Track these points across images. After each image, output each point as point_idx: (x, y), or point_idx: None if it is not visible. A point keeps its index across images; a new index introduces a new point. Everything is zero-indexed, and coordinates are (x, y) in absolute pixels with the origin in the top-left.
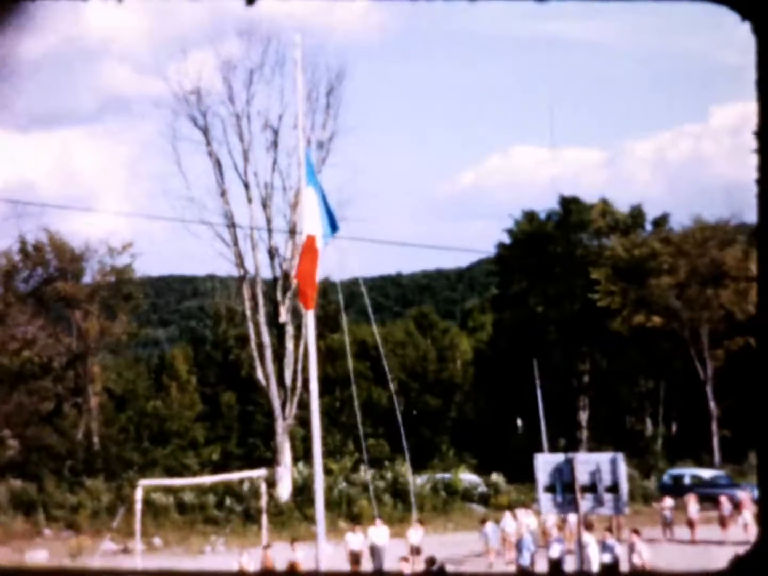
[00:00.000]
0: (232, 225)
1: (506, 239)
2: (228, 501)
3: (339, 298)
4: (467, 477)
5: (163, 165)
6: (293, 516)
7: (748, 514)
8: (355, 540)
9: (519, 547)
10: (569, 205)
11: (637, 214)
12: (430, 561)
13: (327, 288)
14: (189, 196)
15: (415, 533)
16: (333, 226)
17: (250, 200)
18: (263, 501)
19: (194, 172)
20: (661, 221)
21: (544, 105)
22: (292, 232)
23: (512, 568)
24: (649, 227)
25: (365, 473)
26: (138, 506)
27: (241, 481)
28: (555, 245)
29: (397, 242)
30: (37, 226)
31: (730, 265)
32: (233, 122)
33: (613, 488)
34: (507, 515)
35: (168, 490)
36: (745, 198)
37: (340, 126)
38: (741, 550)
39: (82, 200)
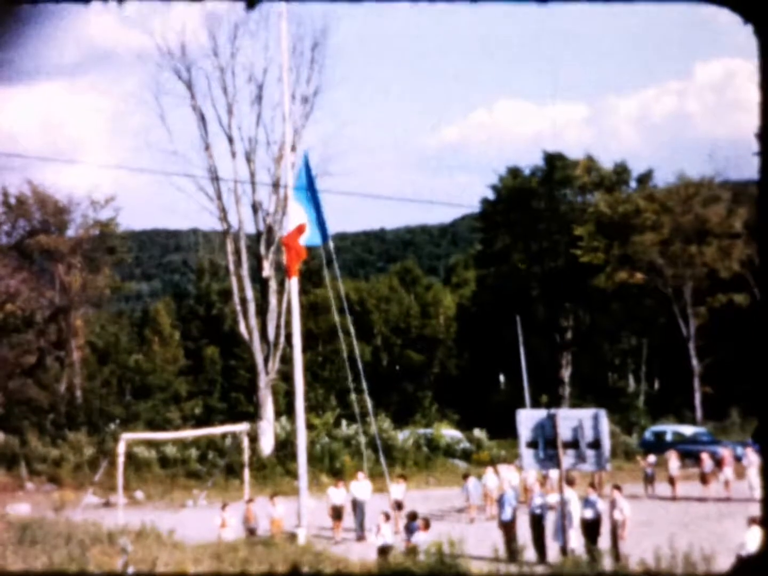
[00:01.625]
0: (215, 179)
1: (490, 195)
2: (210, 455)
3: (321, 253)
4: (449, 432)
5: (146, 119)
6: (275, 470)
7: (729, 471)
8: (338, 494)
9: (501, 502)
10: (554, 161)
11: (621, 171)
12: (412, 516)
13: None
14: (173, 149)
15: (397, 488)
16: (323, 235)
17: (234, 154)
18: (245, 455)
19: (178, 126)
20: (645, 178)
21: (528, 60)
22: (276, 186)
23: (493, 523)
24: (633, 184)
25: (348, 428)
26: (120, 460)
27: (224, 436)
28: (539, 201)
29: (380, 196)
30: (20, 179)
31: (714, 222)
32: (217, 76)
33: (595, 444)
34: (489, 471)
35: (150, 443)
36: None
37: (324, 81)
38: (721, 506)
39: (65, 154)
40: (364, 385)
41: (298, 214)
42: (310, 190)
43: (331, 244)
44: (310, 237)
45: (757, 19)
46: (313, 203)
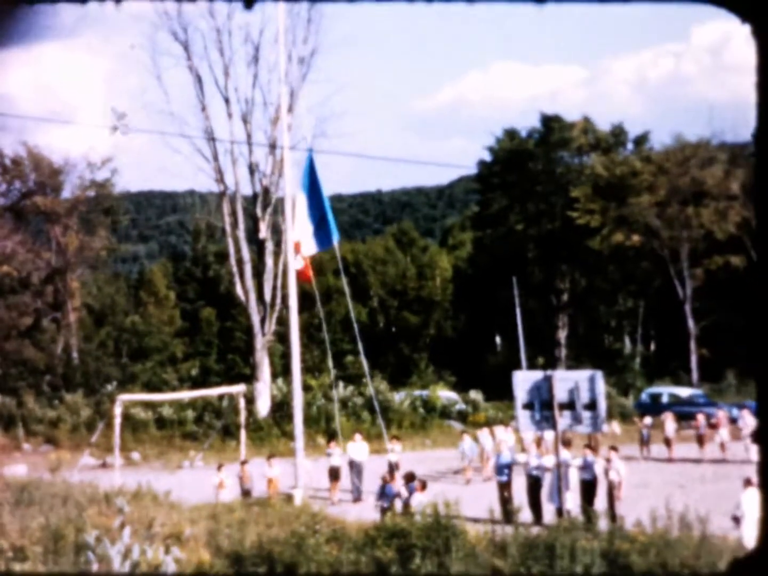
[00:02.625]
0: (212, 140)
1: (487, 157)
2: (207, 416)
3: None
4: (445, 394)
5: (143, 79)
6: (272, 432)
7: (725, 432)
8: (334, 455)
9: (497, 463)
10: (550, 122)
11: (618, 133)
12: (409, 477)
13: None
14: (169, 110)
15: (393, 450)
16: (328, 236)
17: (230, 115)
18: (242, 417)
19: (174, 87)
20: (642, 140)
21: (525, 22)
22: (273, 147)
23: (490, 485)
24: (630, 146)
25: (344, 389)
26: (117, 421)
27: (220, 397)
28: (536, 163)
29: (377, 157)
30: (15, 140)
31: (711, 184)
32: (214, 37)
33: (591, 406)
34: (485, 432)
35: (147, 405)
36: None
37: (321, 42)
38: (717, 467)
39: (61, 115)
40: (360, 347)
41: (301, 222)
42: (315, 191)
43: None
44: (319, 242)
45: (755, 19)
46: (319, 204)
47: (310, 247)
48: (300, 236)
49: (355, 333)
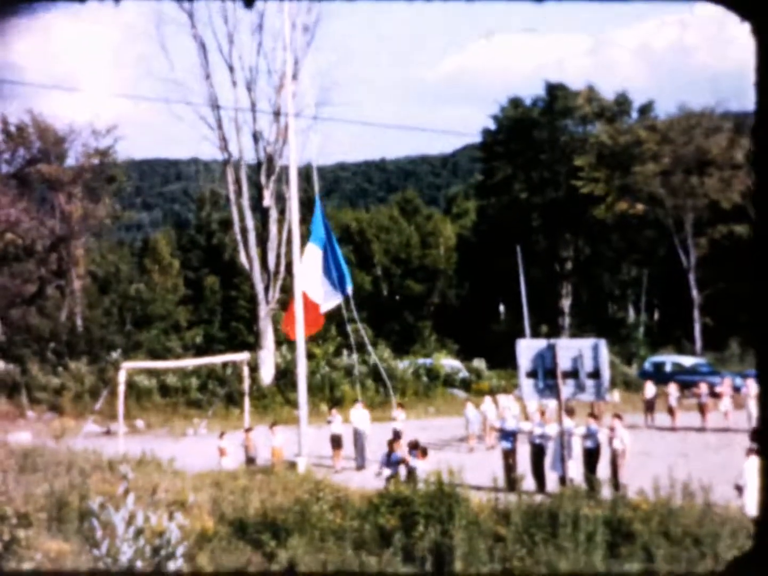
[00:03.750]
0: (216, 108)
1: (491, 125)
2: (211, 384)
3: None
4: (449, 362)
5: (147, 47)
6: (275, 400)
7: (728, 401)
8: (337, 423)
9: (500, 431)
10: (555, 91)
11: (622, 101)
12: (412, 445)
13: (310, 172)
14: (173, 78)
15: (397, 417)
16: (342, 286)
17: (234, 83)
18: (246, 385)
19: (179, 55)
20: (646, 109)
21: None
22: (277, 115)
23: (493, 453)
24: (634, 115)
25: (348, 357)
26: (121, 389)
27: (224, 365)
28: (540, 131)
29: (381, 125)
30: (20, 108)
31: (715, 153)
32: (218, 4)
33: (595, 374)
34: (488, 400)
35: (151, 372)
36: (731, 86)
37: (325, 9)
38: (720, 436)
39: (65, 83)
40: (356, 315)
41: (312, 274)
42: (327, 239)
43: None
44: (331, 294)
45: (755, 18)
46: (334, 256)
47: (326, 302)
48: (310, 289)
49: (358, 301)
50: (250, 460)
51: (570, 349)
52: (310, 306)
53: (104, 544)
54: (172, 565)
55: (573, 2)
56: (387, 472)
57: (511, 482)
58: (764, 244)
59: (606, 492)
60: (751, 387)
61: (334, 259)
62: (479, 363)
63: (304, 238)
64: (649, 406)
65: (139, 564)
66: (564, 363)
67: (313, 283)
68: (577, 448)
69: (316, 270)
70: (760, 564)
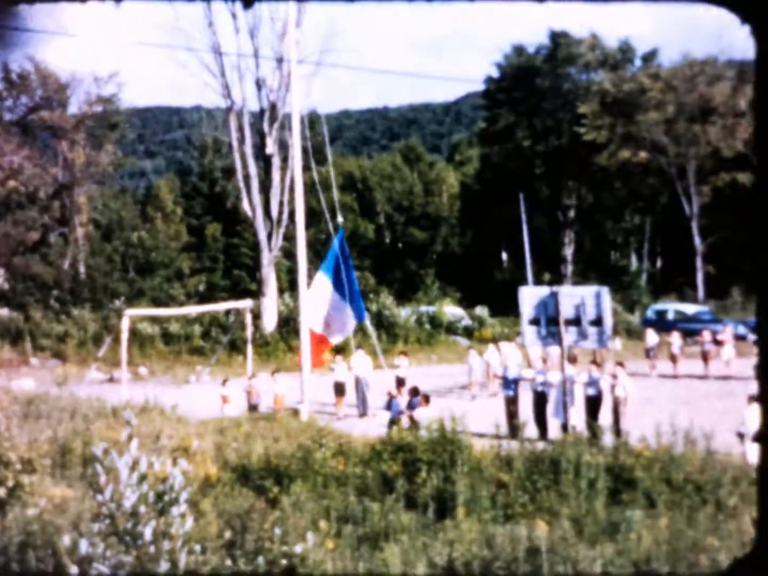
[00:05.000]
0: (219, 54)
1: (494, 73)
2: (213, 332)
3: (324, 130)
4: (451, 310)
5: None
6: (278, 347)
7: (730, 348)
8: (340, 370)
9: (503, 378)
10: (558, 39)
11: (626, 49)
12: (413, 391)
13: (314, 120)
14: (176, 26)
15: (400, 364)
16: (359, 314)
17: (237, 30)
18: (248, 332)
19: (182, 3)
20: (650, 57)
21: None
22: (280, 62)
23: (495, 400)
24: (637, 63)
25: None
26: (124, 336)
27: (227, 312)
28: (543, 79)
29: (384, 71)
30: (21, 55)
31: (719, 101)
32: None
33: (597, 322)
34: (491, 348)
35: (154, 320)
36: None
37: None
38: (722, 384)
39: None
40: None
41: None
42: (345, 268)
43: (321, 128)
44: (340, 326)
45: (754, 20)
46: (348, 282)
47: (334, 335)
48: (316, 324)
49: (361, 248)
50: (253, 407)
51: (572, 296)
52: (317, 338)
53: (108, 490)
54: (175, 511)
55: (573, 3)
56: (385, 414)
57: (514, 429)
58: (766, 192)
59: (608, 439)
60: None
61: (350, 289)
62: (482, 311)
63: (307, 186)
64: (651, 354)
65: (142, 509)
66: (566, 310)
67: (319, 317)
68: (579, 395)
69: (323, 303)
70: (761, 565)
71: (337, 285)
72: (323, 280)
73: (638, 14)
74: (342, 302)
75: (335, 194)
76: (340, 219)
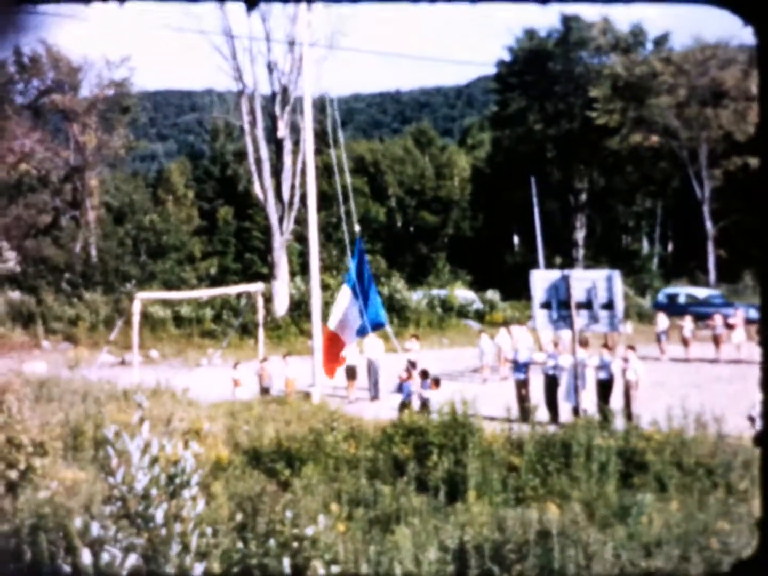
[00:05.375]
0: (230, 37)
1: (506, 57)
2: (225, 315)
3: (335, 114)
4: (463, 294)
5: None
6: (290, 330)
7: (742, 332)
8: (351, 354)
9: (514, 362)
10: (570, 22)
11: (637, 33)
12: (423, 374)
13: (325, 103)
14: (187, 9)
15: (411, 348)
16: (378, 320)
17: (249, 13)
18: (260, 315)
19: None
20: (661, 40)
21: None
22: (292, 44)
23: (507, 384)
24: (649, 46)
25: None
26: (136, 319)
27: (238, 295)
28: (555, 63)
29: (395, 55)
30: (33, 38)
31: (730, 85)
32: None
33: (609, 305)
34: (502, 331)
35: (165, 303)
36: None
37: None
38: (733, 368)
39: (79, 13)
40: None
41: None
42: (365, 277)
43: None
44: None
45: (757, 21)
46: (367, 291)
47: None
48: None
49: (372, 232)
50: (264, 391)
51: (584, 280)
52: (334, 340)
53: (119, 472)
54: (186, 493)
55: (574, 3)
56: (395, 397)
57: (525, 413)
58: None
59: (619, 423)
60: None
61: (366, 299)
62: (493, 294)
63: (319, 169)
64: (662, 338)
65: (154, 491)
66: (578, 294)
67: (339, 321)
68: (590, 379)
69: (341, 309)
70: (764, 567)
71: (356, 294)
72: (346, 293)
73: None
74: (357, 310)
75: (348, 178)
76: (357, 227)
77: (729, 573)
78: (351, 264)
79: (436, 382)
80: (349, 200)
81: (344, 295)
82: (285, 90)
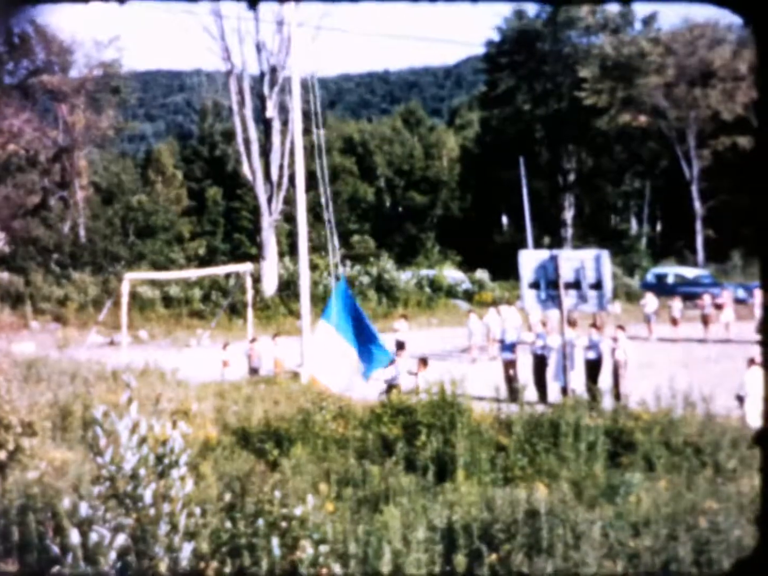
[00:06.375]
0: (219, 17)
1: (495, 36)
2: (213, 295)
3: (317, 94)
4: (452, 274)
5: None
6: (278, 310)
7: (730, 312)
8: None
9: (502, 342)
10: (559, 2)
11: (626, 13)
12: (423, 362)
13: (313, 83)
14: None
15: (400, 328)
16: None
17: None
18: (249, 295)
19: None
20: (650, 20)
21: None
22: (280, 24)
23: (495, 364)
24: (638, 26)
25: (351, 269)
26: (124, 299)
27: (227, 276)
28: (543, 43)
29: (384, 35)
30: (22, 18)
31: (719, 64)
32: None
33: (597, 285)
34: (491, 311)
35: (154, 283)
36: None
37: None
38: (721, 347)
39: None
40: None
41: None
42: (352, 314)
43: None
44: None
45: (757, 20)
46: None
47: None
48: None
49: (361, 212)
50: (253, 371)
51: (572, 260)
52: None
53: (108, 452)
54: (175, 473)
55: (575, 5)
56: (387, 373)
57: (513, 392)
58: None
59: (607, 402)
60: (758, 297)
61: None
62: (482, 274)
63: (307, 150)
64: (650, 318)
65: (142, 471)
66: (566, 274)
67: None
68: (579, 358)
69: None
70: (763, 567)
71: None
72: (324, 327)
73: None
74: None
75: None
76: (341, 270)
77: (729, 573)
78: (335, 300)
79: (424, 362)
80: (339, 180)
81: (324, 333)
82: (273, 70)
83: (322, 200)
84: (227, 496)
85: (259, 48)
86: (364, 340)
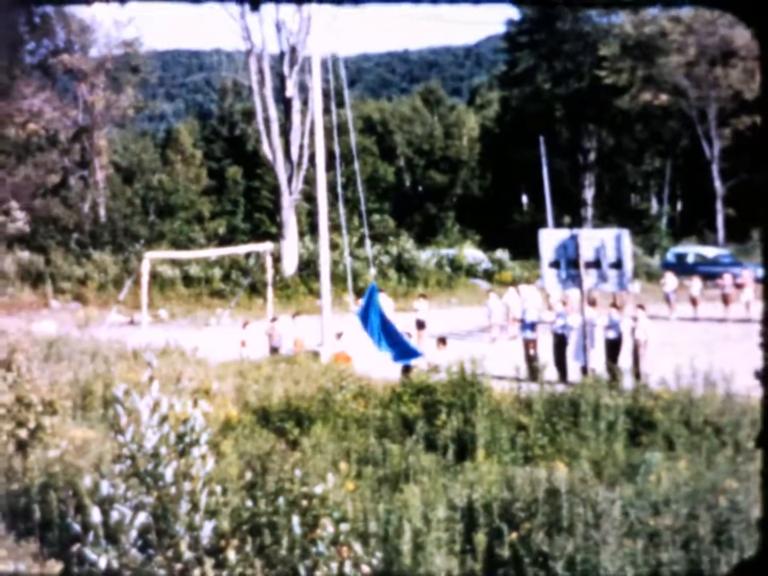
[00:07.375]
0: None
1: (515, 16)
2: (234, 274)
3: (342, 74)
4: (471, 253)
5: None
6: (298, 290)
7: (750, 291)
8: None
9: (522, 321)
10: None
11: None
12: (441, 340)
13: (334, 63)
14: None
15: (420, 307)
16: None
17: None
18: (269, 275)
19: None
20: None
21: None
22: (300, 3)
23: (515, 343)
24: (659, 5)
25: (371, 248)
26: (144, 279)
27: (247, 255)
28: (564, 22)
29: (404, 14)
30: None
31: (740, 44)
32: None
33: (617, 265)
34: (511, 291)
35: (174, 262)
36: None
37: None
38: (742, 327)
39: None
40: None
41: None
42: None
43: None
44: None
45: (758, 23)
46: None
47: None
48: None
49: (381, 192)
50: (273, 350)
51: (593, 239)
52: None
53: (129, 431)
54: (196, 452)
55: (576, 6)
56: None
57: (533, 372)
58: None
59: (627, 381)
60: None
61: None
62: (502, 253)
63: (327, 129)
64: (670, 298)
65: (163, 450)
66: (587, 253)
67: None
68: (599, 338)
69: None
70: (763, 567)
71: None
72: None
73: None
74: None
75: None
76: (372, 271)
77: (730, 574)
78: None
79: (443, 341)
80: (360, 159)
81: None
82: (293, 49)
83: (339, 180)
84: (248, 475)
85: (278, 27)
86: (393, 341)
